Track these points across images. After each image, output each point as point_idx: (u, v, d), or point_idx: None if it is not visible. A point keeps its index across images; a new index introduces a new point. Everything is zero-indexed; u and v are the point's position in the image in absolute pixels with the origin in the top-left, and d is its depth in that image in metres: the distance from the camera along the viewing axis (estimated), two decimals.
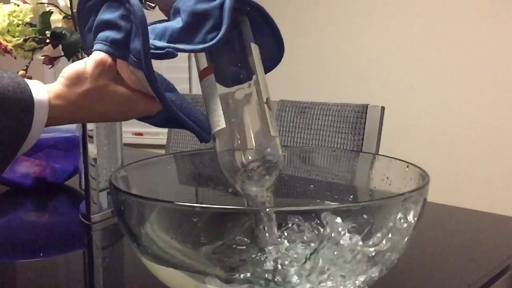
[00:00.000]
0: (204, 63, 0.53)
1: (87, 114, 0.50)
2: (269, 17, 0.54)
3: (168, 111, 0.51)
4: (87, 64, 0.49)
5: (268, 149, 0.51)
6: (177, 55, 0.49)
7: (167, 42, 0.50)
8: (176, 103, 0.51)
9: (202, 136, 0.53)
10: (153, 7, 0.58)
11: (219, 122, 0.51)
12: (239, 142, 0.51)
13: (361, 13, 2.37)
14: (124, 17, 0.48)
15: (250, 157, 0.51)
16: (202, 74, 0.53)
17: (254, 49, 0.53)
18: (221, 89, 0.52)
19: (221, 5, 0.49)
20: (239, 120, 0.51)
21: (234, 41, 0.52)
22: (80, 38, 0.54)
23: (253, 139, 0.51)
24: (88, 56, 0.53)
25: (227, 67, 0.53)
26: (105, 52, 0.49)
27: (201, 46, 0.48)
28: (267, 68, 0.57)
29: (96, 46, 0.50)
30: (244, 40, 0.53)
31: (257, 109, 0.51)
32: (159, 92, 0.49)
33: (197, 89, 2.66)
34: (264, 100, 0.52)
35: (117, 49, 0.49)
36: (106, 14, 0.50)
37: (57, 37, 0.77)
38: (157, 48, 0.48)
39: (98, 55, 0.49)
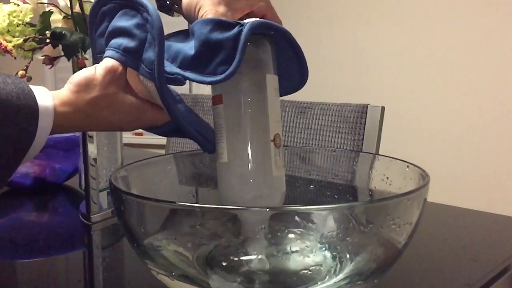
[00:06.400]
0: (215, 90, 0.52)
1: (94, 122, 0.49)
2: (294, 42, 0.52)
3: (176, 122, 0.50)
4: (97, 70, 0.48)
5: (266, 190, 0.50)
6: (185, 82, 0.49)
7: (178, 67, 0.49)
8: (184, 115, 0.50)
9: (207, 147, 0.52)
10: (178, 16, 0.57)
11: (222, 155, 0.51)
12: (238, 178, 0.50)
13: (361, 13, 2.37)
14: (139, 26, 0.48)
15: (246, 197, 0.50)
16: (213, 100, 0.52)
17: (270, 80, 0.51)
18: (228, 119, 0.51)
19: (236, 35, 0.47)
20: (241, 156, 0.50)
21: (248, 70, 0.50)
22: (90, 41, 0.53)
23: (251, 178, 0.50)
24: (95, 60, 0.52)
25: (237, 97, 0.51)
26: (117, 59, 0.48)
27: (209, 79, 0.47)
28: (288, 92, 0.56)
29: (107, 52, 0.49)
30: (259, 70, 0.51)
31: (262, 146, 0.50)
32: (170, 104, 0.48)
33: (197, 89, 2.66)
34: (272, 137, 0.50)
35: (129, 57, 0.48)
36: (121, 21, 0.49)
37: (57, 37, 0.77)
38: (167, 72, 0.47)
39: (109, 62, 0.48)
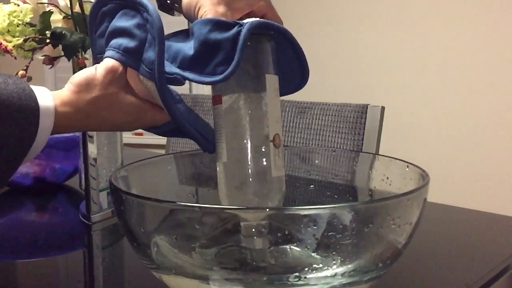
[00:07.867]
0: (215, 90, 0.52)
1: (94, 122, 0.49)
2: (294, 42, 0.51)
3: (176, 122, 0.50)
4: (97, 70, 0.48)
5: (266, 190, 0.50)
6: (184, 82, 0.49)
7: (178, 67, 0.49)
8: (184, 115, 0.50)
9: (207, 147, 0.52)
10: (179, 15, 0.57)
11: (222, 155, 0.51)
12: (238, 178, 0.50)
13: (361, 13, 2.37)
14: (139, 26, 0.48)
15: (245, 197, 0.50)
16: (213, 100, 0.52)
17: (270, 80, 0.51)
18: (227, 119, 0.51)
19: (235, 36, 0.46)
20: (240, 156, 0.50)
21: (248, 70, 0.50)
22: (90, 42, 0.53)
23: (250, 178, 0.50)
24: (95, 60, 0.52)
25: (237, 97, 0.50)
26: (117, 59, 0.48)
27: (208, 79, 0.47)
28: (288, 92, 0.55)
29: (107, 53, 0.49)
30: (259, 70, 0.50)
31: (261, 146, 0.50)
32: (170, 104, 0.48)
33: (197, 89, 2.66)
34: (272, 137, 0.50)
35: (129, 57, 0.48)
36: (121, 22, 0.49)
37: (57, 37, 0.77)
38: (166, 72, 0.47)
39: (109, 62, 0.48)
